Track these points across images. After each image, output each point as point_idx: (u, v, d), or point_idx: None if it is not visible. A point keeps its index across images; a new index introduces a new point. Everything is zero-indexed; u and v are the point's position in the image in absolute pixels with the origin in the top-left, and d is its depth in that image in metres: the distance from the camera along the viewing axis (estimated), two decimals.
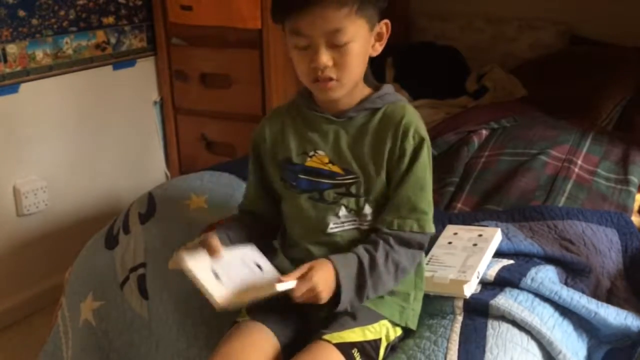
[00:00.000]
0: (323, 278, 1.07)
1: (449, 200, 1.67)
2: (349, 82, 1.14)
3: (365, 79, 1.20)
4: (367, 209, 1.18)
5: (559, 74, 2.24)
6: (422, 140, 1.17)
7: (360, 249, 1.13)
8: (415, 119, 1.18)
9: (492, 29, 2.56)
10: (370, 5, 1.12)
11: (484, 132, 1.92)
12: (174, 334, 1.36)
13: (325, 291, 1.07)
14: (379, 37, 1.16)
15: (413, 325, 1.20)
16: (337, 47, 1.10)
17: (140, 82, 2.43)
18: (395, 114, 1.17)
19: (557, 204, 1.58)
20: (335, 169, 1.18)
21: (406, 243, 1.15)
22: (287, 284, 1.05)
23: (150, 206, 1.61)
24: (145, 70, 2.43)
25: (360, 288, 1.11)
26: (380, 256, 1.12)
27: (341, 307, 1.09)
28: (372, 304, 1.16)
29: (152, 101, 2.48)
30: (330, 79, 1.12)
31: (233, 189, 1.67)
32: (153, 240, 1.52)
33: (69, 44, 2.18)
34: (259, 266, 1.15)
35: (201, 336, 1.32)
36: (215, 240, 1.14)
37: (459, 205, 1.66)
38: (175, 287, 1.41)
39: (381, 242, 1.14)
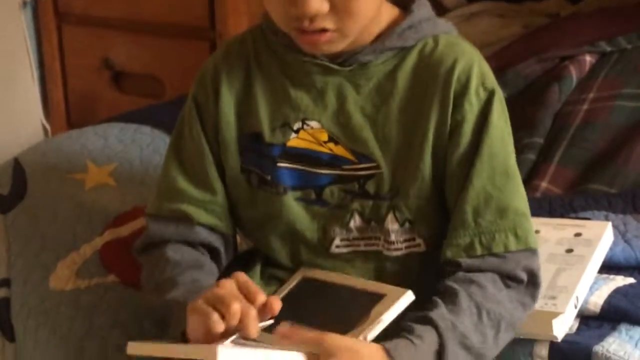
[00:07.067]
0: None
1: (528, 175, 1.67)
2: (354, 32, 1.15)
3: None
4: (392, 224, 1.19)
5: None
6: (491, 94, 1.17)
7: (439, 320, 1.09)
8: (476, 60, 1.18)
9: None
10: None
11: (588, 60, 1.92)
12: None
13: None
14: None
15: None
16: None
17: None
18: (442, 57, 1.18)
19: None
20: (340, 151, 1.19)
21: (506, 276, 1.15)
22: None
23: (17, 183, 1.61)
24: None
25: None
26: (466, 321, 1.10)
27: None
28: None
29: (17, 1, 2.47)
30: (324, 30, 1.13)
31: (159, 153, 1.66)
32: (22, 241, 1.52)
33: None
34: None
35: None
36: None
37: (544, 184, 1.67)
38: (60, 320, 1.42)
39: (461, 292, 1.12)
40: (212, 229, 1.23)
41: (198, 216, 1.23)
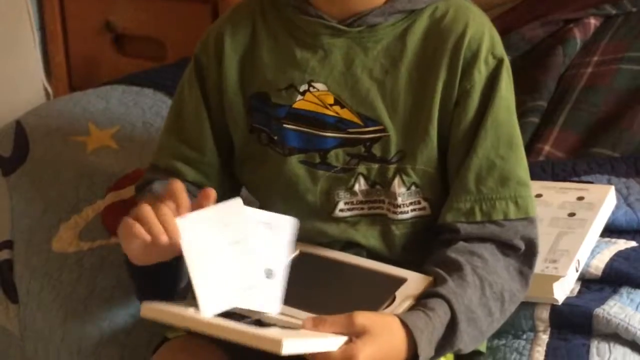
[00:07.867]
0: (384, 351, 1.04)
1: (531, 139, 1.67)
2: None
3: None
4: (399, 187, 1.19)
5: None
6: (500, 62, 1.18)
7: (449, 294, 1.09)
8: (486, 27, 1.18)
9: None
10: None
11: (592, 23, 1.90)
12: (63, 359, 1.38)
13: None
14: None
15: (482, 346, 1.22)
16: None
17: None
18: (453, 22, 1.18)
19: None
20: (346, 114, 1.19)
21: (504, 245, 1.16)
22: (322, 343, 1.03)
23: (19, 145, 1.62)
24: None
25: (441, 349, 1.10)
26: (472, 296, 1.11)
27: None
28: None
29: None
30: None
31: (161, 115, 1.66)
32: (24, 203, 1.53)
33: None
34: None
35: None
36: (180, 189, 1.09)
37: (547, 147, 1.67)
38: (64, 282, 1.43)
39: (466, 266, 1.12)
40: (199, 186, 1.22)
41: (187, 173, 1.25)
